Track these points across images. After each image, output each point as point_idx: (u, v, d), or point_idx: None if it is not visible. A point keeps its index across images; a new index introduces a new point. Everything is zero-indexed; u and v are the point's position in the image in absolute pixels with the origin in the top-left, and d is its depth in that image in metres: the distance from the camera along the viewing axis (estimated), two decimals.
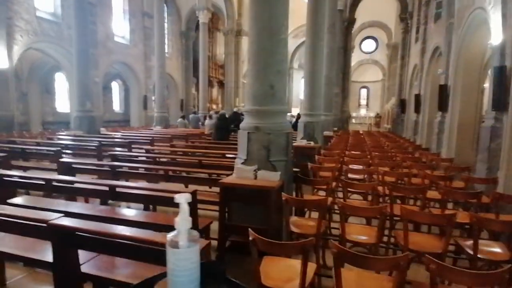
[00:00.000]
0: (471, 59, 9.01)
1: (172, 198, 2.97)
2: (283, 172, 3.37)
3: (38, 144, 7.25)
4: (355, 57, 26.04)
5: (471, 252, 2.48)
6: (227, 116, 9.12)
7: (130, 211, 3.11)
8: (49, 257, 2.25)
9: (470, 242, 2.65)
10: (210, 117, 12.34)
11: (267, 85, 3.39)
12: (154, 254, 1.65)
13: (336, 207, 3.91)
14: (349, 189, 3.53)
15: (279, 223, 3.27)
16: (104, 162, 5.24)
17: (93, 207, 3.40)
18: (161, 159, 5.61)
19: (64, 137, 8.74)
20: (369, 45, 31.20)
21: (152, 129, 12.59)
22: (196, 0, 18.59)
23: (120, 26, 17.08)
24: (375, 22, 26.16)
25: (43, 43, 12.33)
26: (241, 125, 3.63)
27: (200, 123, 13.67)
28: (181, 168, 4.66)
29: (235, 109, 18.48)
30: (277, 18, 3.33)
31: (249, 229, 1.92)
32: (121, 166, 4.50)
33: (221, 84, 25.88)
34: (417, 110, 14.13)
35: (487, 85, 10.24)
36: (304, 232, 2.81)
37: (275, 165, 3.36)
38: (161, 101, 13.94)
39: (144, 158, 5.96)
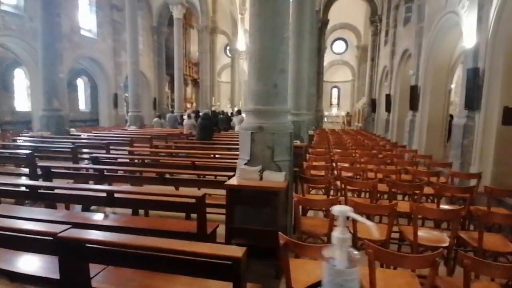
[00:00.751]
0: (440, 61, 9.58)
1: (177, 203, 2.79)
2: (287, 172, 3.34)
3: (3, 146, 6.62)
4: (327, 58, 26.73)
5: (475, 244, 2.60)
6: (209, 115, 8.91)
7: (131, 218, 2.91)
8: (52, 272, 2.04)
9: (470, 235, 2.78)
10: (189, 116, 12.03)
11: (271, 85, 3.33)
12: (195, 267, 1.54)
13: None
14: (348, 187, 3.58)
15: (285, 223, 3.24)
16: (89, 165, 4.88)
17: (88, 215, 3.15)
18: (148, 161, 5.34)
19: (31, 139, 8.04)
20: (339, 46, 32.18)
21: (126, 129, 12.01)
22: None
23: (86, 19, 16.09)
24: (345, 24, 27.06)
25: (5, 37, 11.30)
26: (242, 125, 3.55)
27: (177, 122, 13.29)
28: (173, 170, 4.46)
29: (213, 108, 18.17)
30: (280, 16, 3.28)
31: (279, 232, 1.86)
32: (108, 170, 4.21)
33: (195, 82, 25.36)
34: (388, 109, 14.78)
35: (453, 85, 10.96)
36: (314, 231, 2.80)
37: (280, 165, 3.32)
38: (135, 99, 13.35)
39: (127, 160, 5.65)
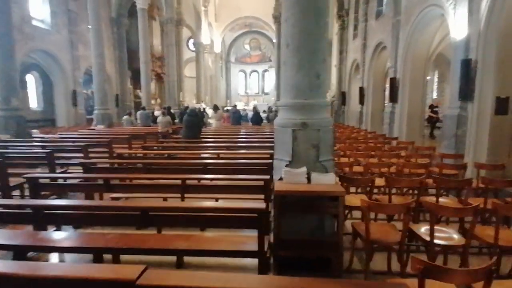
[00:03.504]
0: (418, 53, 9.85)
1: (230, 217, 2.29)
2: (334, 173, 3.02)
3: None
4: None
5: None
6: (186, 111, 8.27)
7: (164, 237, 2.38)
8: None
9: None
10: (163, 113, 11.23)
11: (313, 75, 2.96)
12: None
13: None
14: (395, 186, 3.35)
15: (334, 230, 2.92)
16: (90, 174, 4.11)
17: (109, 237, 2.55)
18: (152, 165, 4.66)
19: None
20: None
21: (94, 129, 10.83)
22: None
23: (38, 8, 14.25)
24: None
25: None
26: (278, 121, 3.14)
27: (150, 120, 12.33)
28: (184, 175, 3.90)
29: (185, 104, 17.22)
30: None
31: (412, 255, 1.52)
32: (112, 178, 3.53)
33: (158, 77, 23.96)
34: (362, 101, 15.10)
35: (429, 77, 11.43)
36: (384, 239, 2.51)
37: (326, 166, 2.98)
38: (101, 96, 12.10)
39: (108, 166, 4.94)
